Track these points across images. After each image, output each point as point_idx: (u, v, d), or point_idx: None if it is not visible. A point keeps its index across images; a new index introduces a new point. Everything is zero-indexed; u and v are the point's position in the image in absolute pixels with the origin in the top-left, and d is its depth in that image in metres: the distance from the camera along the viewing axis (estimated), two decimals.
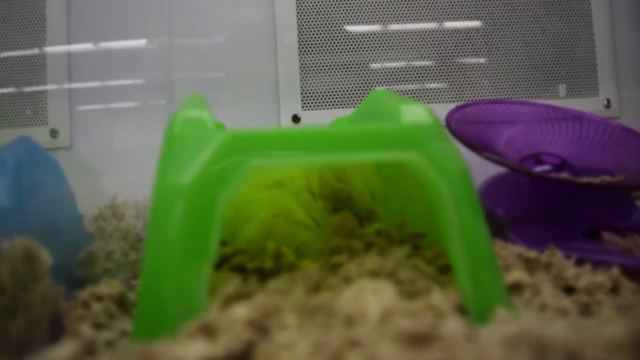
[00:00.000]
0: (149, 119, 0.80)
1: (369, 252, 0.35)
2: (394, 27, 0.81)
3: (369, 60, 0.81)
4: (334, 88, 0.80)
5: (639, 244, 0.49)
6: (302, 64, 0.80)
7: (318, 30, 0.80)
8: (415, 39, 0.81)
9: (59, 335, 0.35)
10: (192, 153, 0.31)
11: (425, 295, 0.30)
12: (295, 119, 0.78)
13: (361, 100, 0.79)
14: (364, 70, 0.80)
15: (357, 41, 0.81)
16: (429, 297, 0.29)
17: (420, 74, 0.81)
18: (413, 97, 0.79)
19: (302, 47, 0.80)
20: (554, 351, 0.20)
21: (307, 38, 0.80)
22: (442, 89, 0.81)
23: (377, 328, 0.24)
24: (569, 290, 0.40)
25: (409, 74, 0.81)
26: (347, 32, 0.81)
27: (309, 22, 0.80)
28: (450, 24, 0.81)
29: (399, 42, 0.81)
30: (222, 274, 0.35)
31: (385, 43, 0.81)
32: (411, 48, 0.81)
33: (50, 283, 0.35)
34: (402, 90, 0.80)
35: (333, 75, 0.80)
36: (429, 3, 0.81)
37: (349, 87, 0.80)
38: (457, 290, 0.32)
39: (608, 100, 0.80)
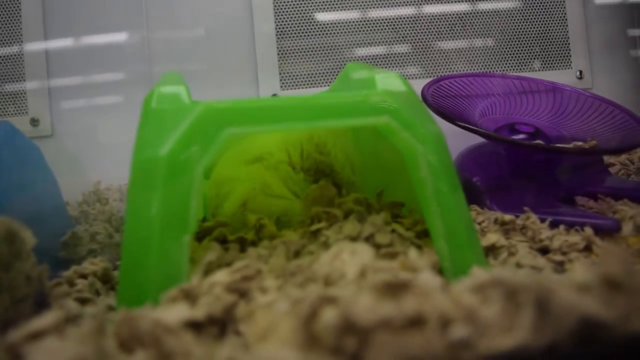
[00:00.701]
0: (130, 110, 0.78)
1: (348, 220, 0.35)
2: (369, 11, 0.81)
3: (345, 43, 0.81)
4: (311, 70, 0.80)
5: (611, 206, 0.50)
6: (279, 49, 0.80)
7: (294, 17, 0.80)
8: (390, 21, 0.81)
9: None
10: (169, 126, 0.31)
11: (403, 257, 0.31)
12: None
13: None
14: (340, 52, 0.80)
15: (332, 26, 0.80)
16: (406, 256, 0.29)
17: (395, 56, 0.81)
18: None
19: (280, 33, 0.80)
20: (523, 294, 0.20)
21: (284, 24, 0.80)
22: (418, 70, 0.81)
23: (354, 285, 0.25)
24: (544, 251, 0.40)
25: (384, 57, 0.81)
26: (322, 17, 0.80)
27: (285, 8, 0.80)
28: (425, 7, 0.81)
29: (374, 26, 0.81)
30: (203, 246, 0.35)
31: (360, 27, 0.81)
32: (386, 31, 0.81)
33: (34, 262, 0.35)
34: None
35: (310, 58, 0.80)
36: None
37: (325, 69, 0.80)
38: (434, 251, 0.32)
39: (580, 72, 0.81)
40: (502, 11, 0.82)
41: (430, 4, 0.81)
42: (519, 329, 0.20)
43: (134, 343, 0.22)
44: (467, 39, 0.82)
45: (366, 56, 0.81)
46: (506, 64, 0.81)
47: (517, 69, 0.81)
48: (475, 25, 0.81)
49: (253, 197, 0.41)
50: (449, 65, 0.81)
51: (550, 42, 0.82)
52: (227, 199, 0.43)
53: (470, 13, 0.81)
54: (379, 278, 0.22)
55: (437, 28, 0.81)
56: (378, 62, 0.80)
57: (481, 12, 0.81)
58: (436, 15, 0.81)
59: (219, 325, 0.24)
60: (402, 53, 0.81)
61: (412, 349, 0.18)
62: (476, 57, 0.81)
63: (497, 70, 0.81)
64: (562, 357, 0.20)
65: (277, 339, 0.20)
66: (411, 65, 0.81)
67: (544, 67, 0.81)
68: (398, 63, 0.81)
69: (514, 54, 0.82)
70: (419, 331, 0.19)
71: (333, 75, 0.80)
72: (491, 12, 0.81)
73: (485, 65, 0.81)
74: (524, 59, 0.82)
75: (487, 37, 0.82)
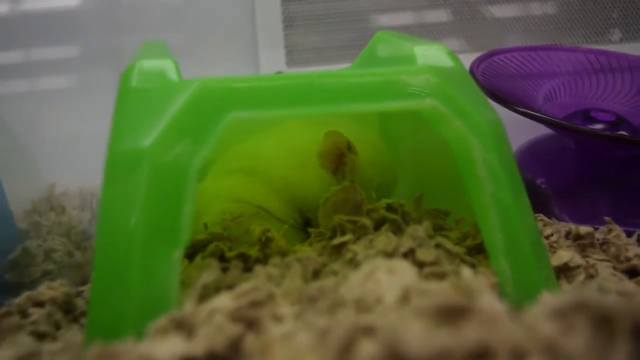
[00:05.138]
0: (91, 93, 0.80)
1: (379, 231, 0.36)
2: None
3: (368, 9, 0.81)
4: (325, 41, 0.80)
5: None
6: (285, 14, 0.80)
7: None
8: None
9: None
10: (153, 110, 0.32)
11: (455, 277, 0.31)
12: None
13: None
14: (362, 20, 0.81)
15: None
16: (458, 277, 0.29)
17: (433, 26, 0.81)
18: None
19: None
20: (618, 323, 0.20)
21: None
22: (462, 43, 0.81)
23: (394, 312, 0.25)
24: (632, 272, 0.41)
25: (418, 27, 0.81)
26: None
27: None
28: None
29: None
30: (195, 264, 0.35)
31: None
32: None
33: None
34: None
35: (324, 26, 0.80)
36: None
37: (343, 40, 0.81)
38: (492, 271, 0.32)
39: None
40: None
41: None
42: None
43: None
44: (524, 2, 0.82)
45: (394, 25, 0.81)
46: (575, 34, 0.82)
47: (589, 41, 0.81)
48: None
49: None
50: (501, 37, 0.81)
51: (634, 5, 0.82)
52: (200, 217, 0.43)
53: None
54: (429, 301, 0.22)
55: None
56: (410, 32, 0.81)
57: None
58: None
59: None
60: (441, 22, 0.81)
61: None
62: (536, 26, 0.82)
63: (563, 43, 0.81)
64: None
65: None
66: (453, 36, 0.81)
67: (625, 39, 0.82)
68: (436, 34, 0.81)
69: (584, 21, 0.82)
70: None
71: (353, 48, 0.80)
72: None
73: (548, 37, 0.82)
74: (598, 28, 0.82)
75: (550, 0, 0.82)
